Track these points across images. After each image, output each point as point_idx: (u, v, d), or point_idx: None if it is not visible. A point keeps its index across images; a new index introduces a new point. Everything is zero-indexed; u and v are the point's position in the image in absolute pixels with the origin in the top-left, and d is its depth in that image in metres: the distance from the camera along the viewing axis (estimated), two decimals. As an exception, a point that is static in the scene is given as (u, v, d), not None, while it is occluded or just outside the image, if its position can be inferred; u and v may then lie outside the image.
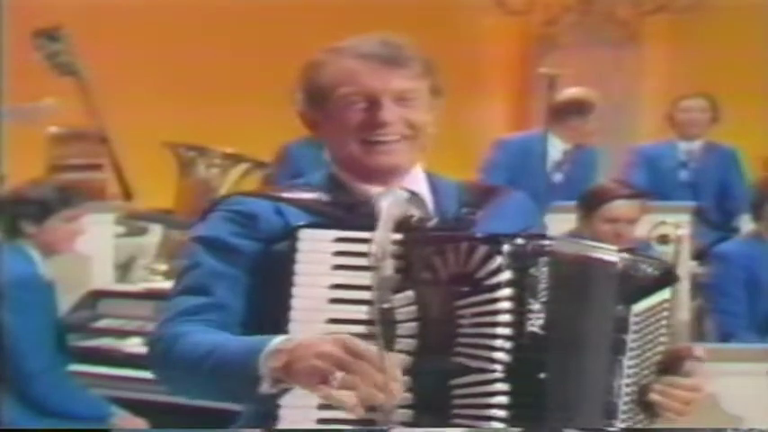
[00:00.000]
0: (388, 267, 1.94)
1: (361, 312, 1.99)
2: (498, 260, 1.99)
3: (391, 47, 2.19)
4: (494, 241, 2.01)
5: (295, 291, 2.03)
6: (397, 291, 1.99)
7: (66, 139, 6.32)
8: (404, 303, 1.99)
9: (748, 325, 4.95)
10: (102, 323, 4.96)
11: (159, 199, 6.21)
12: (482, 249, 2.00)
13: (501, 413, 1.97)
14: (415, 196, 2.21)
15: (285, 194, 2.21)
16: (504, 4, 8.31)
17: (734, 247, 5.24)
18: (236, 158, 5.77)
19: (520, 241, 2.01)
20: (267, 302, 2.06)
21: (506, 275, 1.99)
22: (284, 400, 1.98)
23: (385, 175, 2.20)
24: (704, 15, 7.89)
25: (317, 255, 2.03)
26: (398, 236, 2.01)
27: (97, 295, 5.07)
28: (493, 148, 6.31)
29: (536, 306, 1.99)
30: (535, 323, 1.99)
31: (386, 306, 1.91)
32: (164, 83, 7.63)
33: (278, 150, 6.47)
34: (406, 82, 2.19)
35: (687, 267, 5.90)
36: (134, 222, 5.91)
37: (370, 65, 2.17)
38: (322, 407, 1.97)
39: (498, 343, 1.98)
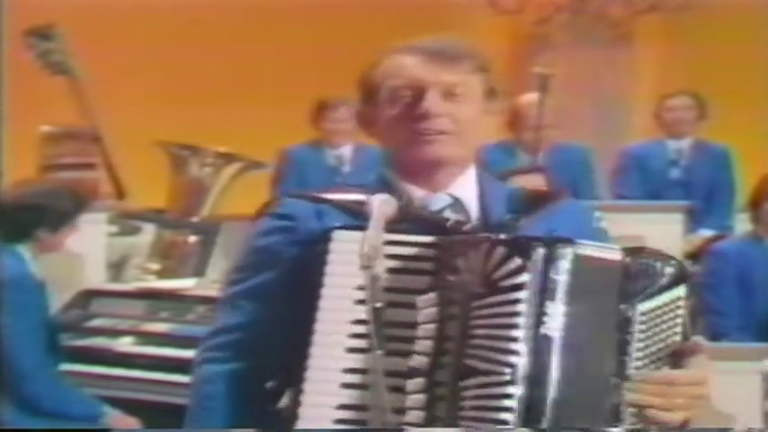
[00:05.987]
0: (380, 266, 1.94)
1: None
2: (517, 262, 1.97)
3: (444, 44, 2.20)
4: (514, 243, 1.99)
5: (324, 291, 2.06)
6: (422, 293, 2.02)
7: (58, 138, 6.31)
8: (426, 305, 2.01)
9: (741, 324, 4.95)
10: (95, 322, 4.95)
11: (152, 198, 6.21)
12: (500, 251, 1.98)
13: (509, 416, 1.94)
14: (456, 201, 2.22)
15: (330, 196, 2.23)
16: (497, 4, 8.31)
17: (730, 245, 5.24)
18: (228, 157, 5.78)
19: (541, 243, 1.99)
20: (302, 304, 2.08)
21: (524, 278, 1.97)
22: (304, 398, 2.02)
23: (430, 171, 2.21)
24: (696, 15, 7.90)
25: (348, 256, 2.02)
26: (429, 239, 2.05)
27: (89, 294, 5.07)
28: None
29: (552, 309, 1.97)
30: (550, 326, 1.97)
31: (378, 305, 1.91)
32: (157, 82, 7.63)
33: (279, 154, 6.59)
34: (455, 76, 2.18)
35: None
36: (127, 221, 5.90)
37: (419, 58, 2.19)
38: (341, 407, 2.02)
39: (510, 345, 1.96)
